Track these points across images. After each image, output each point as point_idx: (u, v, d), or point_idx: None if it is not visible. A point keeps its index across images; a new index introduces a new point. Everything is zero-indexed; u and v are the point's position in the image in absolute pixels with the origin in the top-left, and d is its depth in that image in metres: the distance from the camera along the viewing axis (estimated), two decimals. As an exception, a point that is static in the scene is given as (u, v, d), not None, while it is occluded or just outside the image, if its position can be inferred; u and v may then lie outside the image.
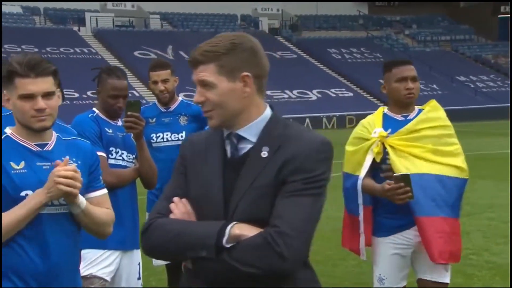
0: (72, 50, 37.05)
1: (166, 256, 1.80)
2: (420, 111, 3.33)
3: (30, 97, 2.14)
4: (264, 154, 1.66)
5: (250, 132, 1.70)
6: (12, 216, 2.12)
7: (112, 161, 3.23)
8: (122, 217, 3.10)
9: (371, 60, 43.07)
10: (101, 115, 3.28)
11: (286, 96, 37.42)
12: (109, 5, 42.80)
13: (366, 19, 49.78)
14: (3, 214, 2.13)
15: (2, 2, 39.30)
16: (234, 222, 1.62)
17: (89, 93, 30.77)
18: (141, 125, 3.05)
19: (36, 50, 34.16)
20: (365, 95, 39.05)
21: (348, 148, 3.36)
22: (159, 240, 1.68)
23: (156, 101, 4.15)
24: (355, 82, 40.23)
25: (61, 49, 36.19)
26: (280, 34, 46.08)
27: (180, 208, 1.70)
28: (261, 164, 1.64)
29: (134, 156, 3.30)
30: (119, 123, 3.30)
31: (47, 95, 2.16)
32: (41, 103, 2.14)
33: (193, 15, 45.83)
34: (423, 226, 3.07)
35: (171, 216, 1.70)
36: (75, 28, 40.77)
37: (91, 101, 29.10)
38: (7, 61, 2.18)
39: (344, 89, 39.51)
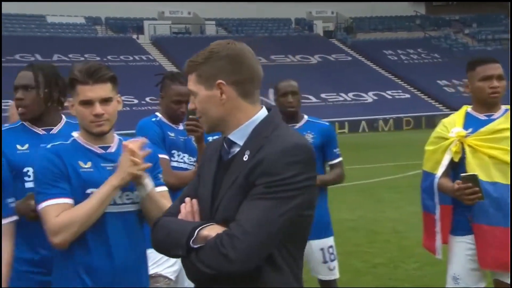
0: (131, 58, 38.16)
1: (165, 253, 1.84)
2: (506, 110, 3.22)
3: (88, 103, 2.24)
4: (245, 157, 1.69)
5: (238, 136, 1.73)
6: (86, 206, 2.18)
7: (174, 164, 3.29)
8: None
9: (428, 61, 42.20)
10: (164, 119, 3.35)
11: (341, 99, 37.19)
12: (166, 12, 43.87)
13: (424, 19, 48.83)
14: (77, 206, 2.19)
15: (66, 14, 41.05)
16: (208, 224, 1.67)
17: (147, 99, 31.62)
18: (201, 129, 3.05)
19: (98, 58, 35.33)
20: (422, 96, 38.28)
21: (428, 147, 3.32)
22: (158, 237, 1.78)
23: None
24: (412, 84, 39.50)
25: (121, 57, 37.31)
26: (335, 36, 45.84)
27: (186, 208, 1.77)
28: (241, 167, 1.68)
29: (195, 159, 3.35)
30: (181, 127, 3.36)
31: (105, 101, 2.25)
32: (98, 109, 2.23)
33: (248, 20, 46.26)
34: (485, 235, 3.06)
35: (179, 215, 1.78)
36: (134, 36, 42.02)
37: (149, 107, 29.85)
38: (71, 69, 2.30)
39: (400, 91, 38.86)
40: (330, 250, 3.81)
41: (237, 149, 1.74)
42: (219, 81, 1.70)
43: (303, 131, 3.72)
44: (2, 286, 2.14)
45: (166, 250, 1.76)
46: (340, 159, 3.85)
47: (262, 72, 1.79)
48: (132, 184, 2.27)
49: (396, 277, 5.69)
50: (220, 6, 44.26)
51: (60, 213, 2.17)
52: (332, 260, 3.81)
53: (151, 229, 1.85)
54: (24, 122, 2.64)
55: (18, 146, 2.54)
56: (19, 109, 2.59)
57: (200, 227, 1.66)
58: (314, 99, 35.82)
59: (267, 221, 1.60)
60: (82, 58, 34.73)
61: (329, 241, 3.83)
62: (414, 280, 5.58)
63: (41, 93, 2.57)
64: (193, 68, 1.74)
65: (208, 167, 1.80)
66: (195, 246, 1.64)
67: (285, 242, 1.65)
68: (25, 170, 2.50)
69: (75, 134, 2.36)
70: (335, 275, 3.86)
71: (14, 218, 2.25)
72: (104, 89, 2.24)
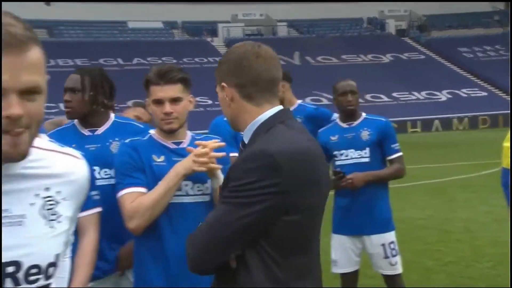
0: (205, 60, 39.11)
1: None
2: None
3: (159, 102, 2.39)
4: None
5: (246, 136, 1.77)
6: (154, 192, 2.32)
7: None
8: None
9: (507, 58, 40.79)
10: None
11: (413, 97, 36.69)
12: (240, 15, 44.87)
13: (502, 15, 47.16)
14: (147, 193, 2.33)
15: (146, 19, 42.46)
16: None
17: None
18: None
19: (174, 61, 36.69)
20: (500, 94, 37.12)
21: (506, 143, 3.31)
22: None
23: None
24: (488, 81, 38.37)
25: (196, 59, 38.38)
26: (408, 35, 45.16)
27: None
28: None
29: None
30: None
31: (174, 100, 2.39)
32: (168, 107, 2.37)
33: (319, 20, 46.34)
34: None
35: None
36: (208, 39, 43.09)
37: (224, 108, 30.69)
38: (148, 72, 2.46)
39: (477, 89, 37.86)
40: (392, 245, 3.81)
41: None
42: (223, 83, 1.78)
43: (360, 128, 3.82)
44: (90, 272, 2.24)
45: None
46: (398, 154, 3.84)
47: (272, 74, 1.76)
48: (203, 176, 2.39)
49: (468, 276, 5.64)
50: (291, 8, 44.67)
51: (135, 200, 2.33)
52: (393, 256, 3.80)
53: None
54: (75, 123, 2.78)
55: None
56: (66, 109, 2.74)
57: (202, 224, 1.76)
58: (385, 98, 35.48)
59: (222, 224, 1.63)
60: (160, 61, 36.06)
61: (390, 236, 3.82)
62: (487, 279, 5.49)
63: (86, 96, 2.67)
64: (216, 71, 1.85)
65: None
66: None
67: (262, 245, 1.65)
68: None
69: (151, 131, 2.54)
70: (398, 270, 3.84)
71: (98, 209, 2.40)
72: (173, 90, 2.38)
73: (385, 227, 3.81)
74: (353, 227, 3.81)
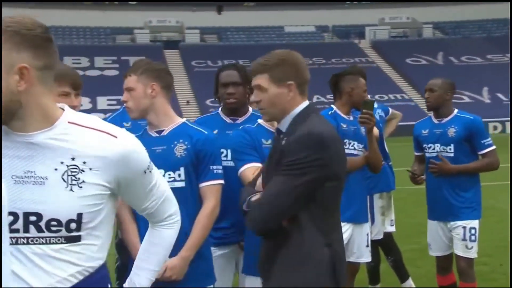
0: (352, 60, 40.40)
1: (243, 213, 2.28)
2: None
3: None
4: (283, 142, 2.12)
5: (284, 125, 2.19)
6: None
7: (346, 151, 3.27)
8: (354, 196, 3.44)
9: None
10: (338, 112, 3.61)
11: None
12: (387, 18, 46.53)
13: None
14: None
15: (300, 24, 45.71)
16: (256, 193, 2.16)
17: (376, 96, 33.72)
18: (373, 121, 3.33)
19: (323, 61, 39.19)
20: None
21: None
22: (239, 200, 2.26)
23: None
24: None
25: (343, 60, 40.24)
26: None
27: (259, 181, 2.27)
28: (279, 150, 2.13)
29: (363, 145, 3.59)
30: (351, 118, 3.62)
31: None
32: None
33: (465, 22, 46.42)
34: None
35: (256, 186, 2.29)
36: (356, 41, 45.00)
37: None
38: None
39: None
40: (472, 231, 3.87)
41: (281, 136, 2.18)
42: (290, 82, 2.15)
43: (448, 125, 3.91)
44: (201, 234, 2.55)
45: (241, 211, 2.23)
46: (489, 148, 3.86)
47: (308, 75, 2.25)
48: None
49: None
50: (438, 10, 45.14)
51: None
52: (472, 241, 3.87)
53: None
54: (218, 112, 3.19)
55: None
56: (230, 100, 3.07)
57: (251, 196, 2.17)
58: None
59: (283, 193, 2.04)
60: (311, 62, 38.22)
61: (473, 223, 3.89)
62: None
63: (247, 89, 3.03)
64: (266, 69, 2.16)
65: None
66: (247, 210, 2.15)
67: (311, 206, 2.07)
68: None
69: (259, 120, 2.93)
70: (473, 255, 3.88)
71: (219, 181, 2.64)
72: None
73: (470, 214, 3.89)
74: (439, 214, 3.94)
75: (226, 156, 3.00)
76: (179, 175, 2.58)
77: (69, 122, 1.46)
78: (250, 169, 2.67)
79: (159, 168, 2.51)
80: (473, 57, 41.52)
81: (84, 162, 1.44)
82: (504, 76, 36.82)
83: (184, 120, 2.71)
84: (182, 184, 2.58)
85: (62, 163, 1.44)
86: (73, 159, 1.44)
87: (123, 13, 43.76)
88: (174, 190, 2.49)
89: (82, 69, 38.35)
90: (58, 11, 41.90)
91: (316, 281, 2.07)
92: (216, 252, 2.95)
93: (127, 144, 1.51)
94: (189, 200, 2.58)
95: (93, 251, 1.49)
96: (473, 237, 3.87)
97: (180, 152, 2.58)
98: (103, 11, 43.30)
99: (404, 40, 45.15)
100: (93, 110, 31.99)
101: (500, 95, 37.28)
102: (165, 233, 1.78)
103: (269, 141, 2.79)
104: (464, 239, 3.86)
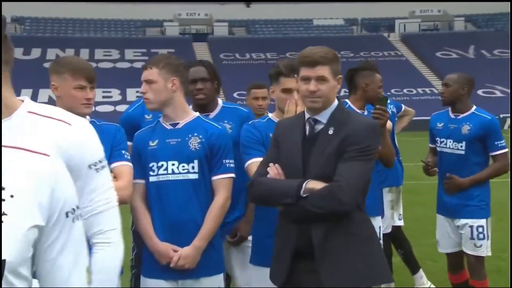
0: (380, 54, 40.33)
1: (264, 203, 2.47)
2: None
3: (288, 91, 2.83)
4: (331, 131, 2.31)
5: (324, 116, 2.37)
6: None
7: None
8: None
9: None
10: (353, 106, 3.65)
11: None
12: (417, 11, 45.73)
13: None
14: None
15: (329, 17, 45.08)
16: (308, 180, 2.27)
17: (405, 90, 33.52)
18: (386, 117, 3.32)
19: (351, 55, 38.60)
20: None
21: None
22: (260, 192, 2.37)
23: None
24: None
25: (372, 53, 39.57)
26: None
27: (273, 171, 2.37)
28: (328, 138, 2.31)
29: None
30: (365, 112, 3.65)
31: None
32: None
33: (498, 14, 45.42)
34: None
35: (268, 176, 2.39)
36: (385, 34, 44.32)
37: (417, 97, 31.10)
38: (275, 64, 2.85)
39: None
40: (480, 229, 3.82)
41: (320, 127, 2.36)
42: (340, 76, 2.39)
43: (464, 122, 3.87)
44: (213, 225, 2.63)
45: (268, 200, 2.38)
46: (502, 151, 3.80)
47: None
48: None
49: None
50: (469, 3, 44.10)
51: None
52: (480, 239, 3.82)
53: (248, 187, 2.44)
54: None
55: None
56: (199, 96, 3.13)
57: (306, 182, 2.27)
58: None
59: (362, 175, 2.28)
60: (339, 55, 38.42)
61: (480, 222, 3.84)
62: None
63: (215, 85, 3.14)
64: (328, 61, 2.33)
65: (291, 141, 2.39)
66: (304, 195, 2.25)
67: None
68: None
69: (270, 114, 2.97)
70: (483, 252, 3.85)
71: (230, 175, 2.70)
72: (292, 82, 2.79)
73: (478, 213, 3.83)
74: (447, 210, 3.91)
75: None
76: (193, 167, 2.65)
77: (28, 112, 1.45)
78: (256, 163, 2.71)
79: (172, 160, 2.65)
80: (506, 51, 40.65)
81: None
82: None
83: (198, 114, 2.81)
84: (195, 176, 2.66)
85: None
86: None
87: (153, 6, 43.90)
88: (188, 181, 2.67)
89: (112, 61, 39.03)
90: (89, 4, 42.16)
91: (381, 250, 2.46)
92: None
93: (81, 132, 1.49)
94: (201, 192, 2.67)
95: None
96: (481, 235, 3.82)
97: (195, 145, 2.67)
98: (133, 3, 43.46)
99: (435, 33, 44.43)
100: (123, 101, 32.26)
101: (533, 89, 36.51)
102: (97, 257, 1.64)
103: None
104: (472, 238, 3.83)
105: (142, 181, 2.68)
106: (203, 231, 2.61)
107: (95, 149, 1.54)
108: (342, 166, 2.28)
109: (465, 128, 3.84)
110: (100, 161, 1.57)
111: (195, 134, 2.67)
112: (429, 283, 4.81)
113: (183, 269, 2.58)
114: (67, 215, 1.21)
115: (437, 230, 4.07)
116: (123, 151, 2.51)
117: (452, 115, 3.98)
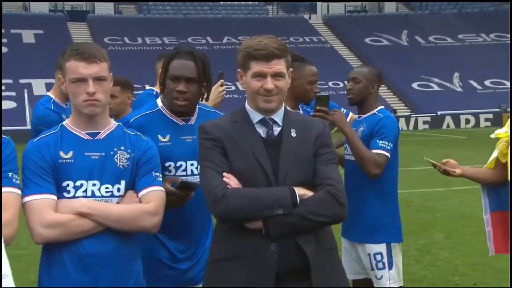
0: (301, 39, 38.31)
1: (244, 217, 2.19)
2: None
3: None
4: (293, 134, 2.29)
5: (279, 117, 2.31)
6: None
7: None
8: None
9: None
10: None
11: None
12: None
13: None
14: None
15: None
16: (291, 187, 2.18)
17: (330, 83, 31.86)
18: (328, 119, 3.19)
19: None
20: None
21: None
22: (237, 204, 2.15)
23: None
24: None
25: (291, 38, 37.43)
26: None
27: (233, 180, 2.21)
28: (294, 141, 2.28)
29: None
30: (301, 112, 3.51)
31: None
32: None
33: None
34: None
35: (229, 186, 2.19)
36: (306, 16, 42.33)
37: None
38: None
39: None
40: (378, 257, 3.53)
41: (278, 128, 2.30)
42: (291, 69, 2.34)
43: (361, 123, 3.65)
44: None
45: (249, 214, 2.16)
46: (380, 151, 3.46)
47: None
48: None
49: None
50: None
51: None
52: (379, 269, 3.51)
53: (218, 201, 2.19)
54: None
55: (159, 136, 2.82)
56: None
57: (296, 189, 2.18)
58: (509, 85, 32.48)
59: (340, 176, 2.32)
60: None
61: (377, 248, 3.52)
62: None
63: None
64: (283, 54, 2.22)
65: (248, 145, 2.25)
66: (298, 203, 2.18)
67: None
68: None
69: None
70: (385, 285, 3.51)
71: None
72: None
73: (370, 238, 3.50)
74: (344, 231, 3.68)
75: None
76: (119, 189, 2.50)
77: None
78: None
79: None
80: (443, 37, 40.06)
81: None
82: (478, 60, 35.65)
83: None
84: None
85: None
86: None
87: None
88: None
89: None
90: None
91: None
92: None
93: None
94: None
95: None
96: (380, 265, 3.49)
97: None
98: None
99: (362, 16, 43.04)
100: None
101: (473, 83, 35.15)
102: None
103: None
104: (372, 269, 3.52)
105: (54, 197, 2.40)
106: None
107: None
108: (325, 169, 2.30)
109: (360, 130, 3.62)
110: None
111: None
112: None
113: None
114: None
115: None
116: (11, 173, 2.29)
117: (358, 117, 3.86)
